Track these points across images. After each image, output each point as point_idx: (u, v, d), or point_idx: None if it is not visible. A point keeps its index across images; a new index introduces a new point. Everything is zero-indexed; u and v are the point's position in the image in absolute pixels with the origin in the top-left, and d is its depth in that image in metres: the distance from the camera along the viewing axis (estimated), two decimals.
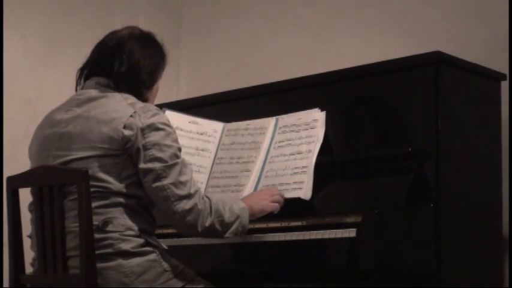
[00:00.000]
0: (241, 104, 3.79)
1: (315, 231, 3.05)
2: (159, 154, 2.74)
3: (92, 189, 2.69)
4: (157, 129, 2.76)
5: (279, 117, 3.54)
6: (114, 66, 2.86)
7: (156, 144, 2.74)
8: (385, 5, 4.09)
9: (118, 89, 2.85)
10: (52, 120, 2.89)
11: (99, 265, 2.67)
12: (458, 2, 3.87)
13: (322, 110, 3.43)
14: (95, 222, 2.68)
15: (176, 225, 2.83)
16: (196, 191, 2.79)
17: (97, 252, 2.67)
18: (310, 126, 3.41)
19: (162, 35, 3.04)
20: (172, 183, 2.74)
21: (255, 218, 3.04)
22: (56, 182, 2.70)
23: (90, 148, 2.75)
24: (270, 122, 3.55)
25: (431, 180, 3.15)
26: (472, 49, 3.70)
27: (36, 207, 2.76)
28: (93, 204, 2.69)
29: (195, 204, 2.77)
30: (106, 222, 2.71)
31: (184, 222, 2.77)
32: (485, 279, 3.40)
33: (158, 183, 2.74)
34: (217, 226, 2.83)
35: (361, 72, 3.47)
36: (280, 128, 3.50)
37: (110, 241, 2.70)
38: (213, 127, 3.66)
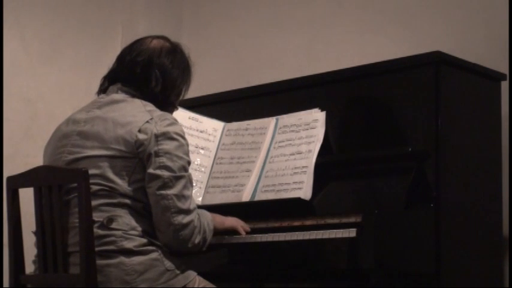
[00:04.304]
0: (241, 104, 3.79)
1: (315, 231, 3.05)
2: (169, 163, 2.76)
3: (98, 187, 2.73)
4: (172, 138, 2.78)
5: (279, 117, 3.54)
6: (150, 84, 2.89)
7: (168, 153, 2.76)
8: (385, 5, 4.09)
9: (142, 98, 2.89)
10: (72, 120, 2.92)
11: (101, 262, 2.68)
12: (458, 2, 3.87)
13: (322, 110, 3.43)
14: (99, 219, 2.71)
15: (167, 238, 2.78)
16: (194, 208, 2.81)
17: (99, 248, 2.69)
18: (310, 126, 3.41)
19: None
20: (176, 195, 2.76)
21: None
22: (56, 182, 2.71)
23: (104, 148, 2.78)
24: (270, 122, 3.55)
25: (431, 180, 3.15)
26: (472, 49, 3.70)
27: (36, 207, 2.76)
28: (99, 202, 2.72)
29: (192, 221, 2.78)
30: (111, 220, 2.72)
31: (177, 235, 2.76)
32: (485, 279, 3.40)
33: (162, 192, 2.75)
34: (201, 243, 2.83)
35: (361, 72, 3.47)
36: (280, 128, 3.50)
37: (113, 238, 2.71)
38: (213, 126, 3.66)
